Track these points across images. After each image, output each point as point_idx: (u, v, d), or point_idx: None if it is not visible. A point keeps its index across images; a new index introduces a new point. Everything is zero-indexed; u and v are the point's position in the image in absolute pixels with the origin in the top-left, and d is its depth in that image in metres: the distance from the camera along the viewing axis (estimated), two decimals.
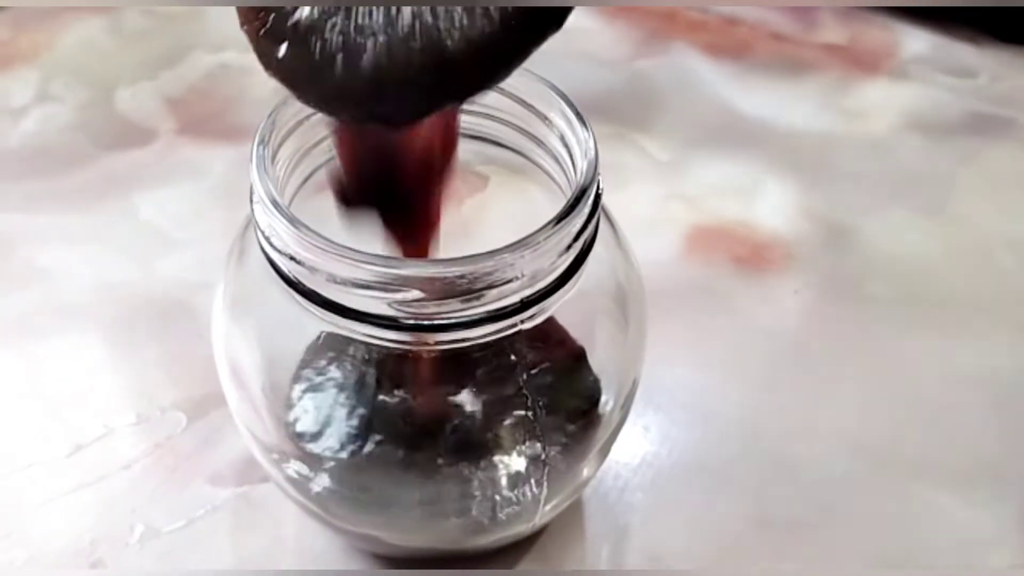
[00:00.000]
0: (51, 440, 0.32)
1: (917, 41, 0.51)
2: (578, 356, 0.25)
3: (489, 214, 0.30)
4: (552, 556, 0.29)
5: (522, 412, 0.23)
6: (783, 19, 0.52)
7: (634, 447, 0.32)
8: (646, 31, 0.51)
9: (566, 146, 0.22)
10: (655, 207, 0.41)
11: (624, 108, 0.46)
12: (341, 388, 0.24)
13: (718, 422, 0.33)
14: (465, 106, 0.24)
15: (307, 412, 0.24)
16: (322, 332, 0.23)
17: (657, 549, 0.29)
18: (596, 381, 0.25)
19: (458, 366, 0.23)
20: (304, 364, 0.25)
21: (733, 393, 0.34)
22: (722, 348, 0.36)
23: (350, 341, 0.22)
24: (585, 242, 0.21)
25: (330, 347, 0.24)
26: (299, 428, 0.24)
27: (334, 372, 0.24)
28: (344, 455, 0.24)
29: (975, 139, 0.46)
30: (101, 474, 0.31)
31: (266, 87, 0.48)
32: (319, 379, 0.24)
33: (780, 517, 0.30)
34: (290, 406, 0.24)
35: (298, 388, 0.25)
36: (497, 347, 0.22)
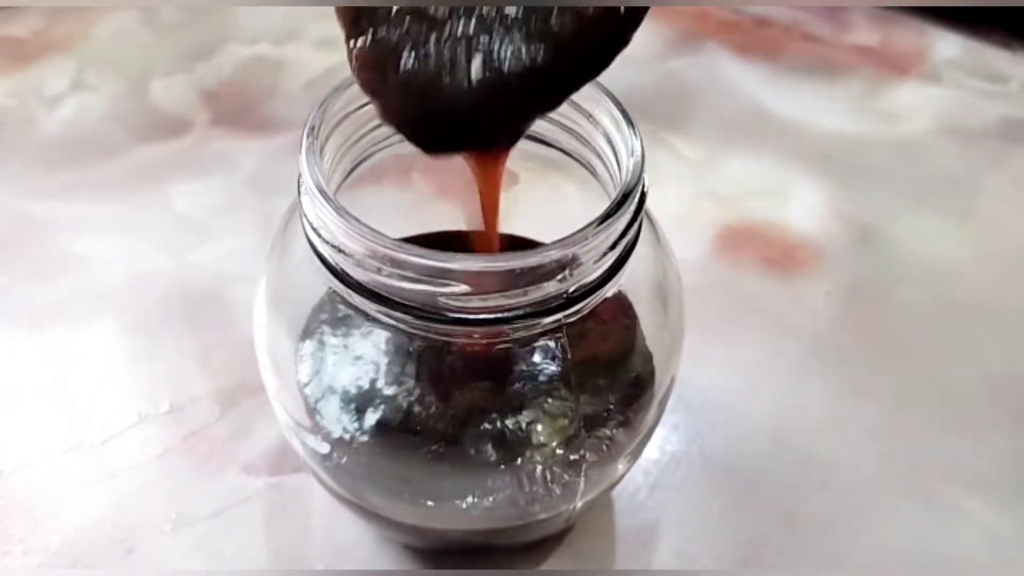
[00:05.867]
0: (85, 427, 0.32)
1: (949, 44, 0.51)
2: (626, 348, 0.25)
3: (523, 208, 0.30)
4: (582, 551, 0.29)
5: (563, 407, 0.23)
6: (815, 20, 0.52)
7: (664, 445, 0.32)
8: (678, 31, 0.51)
9: (611, 144, 0.22)
10: (686, 206, 0.41)
11: (656, 107, 0.46)
12: (382, 379, 0.24)
13: (748, 421, 0.33)
14: None
15: (348, 401, 0.24)
16: (365, 324, 0.24)
17: (686, 546, 0.30)
18: (649, 361, 0.25)
19: (500, 359, 0.23)
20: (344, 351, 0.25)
21: (763, 393, 0.34)
22: (752, 348, 0.36)
23: (394, 332, 0.22)
24: (629, 240, 0.21)
25: (370, 337, 0.24)
26: (339, 416, 0.24)
27: (375, 362, 0.24)
28: (384, 445, 0.24)
29: (1005, 143, 0.45)
30: (135, 462, 0.31)
31: (298, 80, 0.48)
32: (360, 369, 0.24)
33: (809, 517, 0.30)
34: (330, 394, 0.25)
35: (340, 377, 0.25)
36: (540, 341, 0.22)
